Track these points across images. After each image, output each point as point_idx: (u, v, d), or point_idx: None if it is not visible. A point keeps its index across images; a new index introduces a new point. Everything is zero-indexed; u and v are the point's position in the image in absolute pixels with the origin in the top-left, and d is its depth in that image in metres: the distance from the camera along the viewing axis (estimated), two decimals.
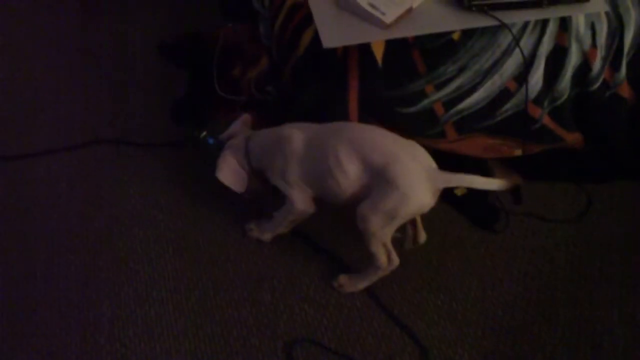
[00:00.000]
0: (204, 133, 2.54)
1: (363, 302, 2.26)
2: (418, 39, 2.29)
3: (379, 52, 2.28)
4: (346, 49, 2.27)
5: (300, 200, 2.23)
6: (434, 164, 2.11)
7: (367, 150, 2.09)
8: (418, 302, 2.27)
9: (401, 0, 2.30)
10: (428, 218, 2.28)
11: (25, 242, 2.45)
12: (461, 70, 2.35)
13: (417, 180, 2.06)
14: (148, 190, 2.56)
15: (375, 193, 2.07)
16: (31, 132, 2.79)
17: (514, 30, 2.31)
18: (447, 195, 2.41)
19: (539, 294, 2.28)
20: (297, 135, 2.20)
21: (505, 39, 2.33)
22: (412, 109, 2.36)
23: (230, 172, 2.31)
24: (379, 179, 2.07)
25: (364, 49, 2.27)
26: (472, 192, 2.46)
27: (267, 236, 2.37)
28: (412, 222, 2.27)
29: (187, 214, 2.47)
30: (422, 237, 2.32)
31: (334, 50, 2.26)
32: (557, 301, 2.26)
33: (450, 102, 2.38)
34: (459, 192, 2.47)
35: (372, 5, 2.26)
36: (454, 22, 2.29)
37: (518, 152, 2.48)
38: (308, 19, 2.32)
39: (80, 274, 2.35)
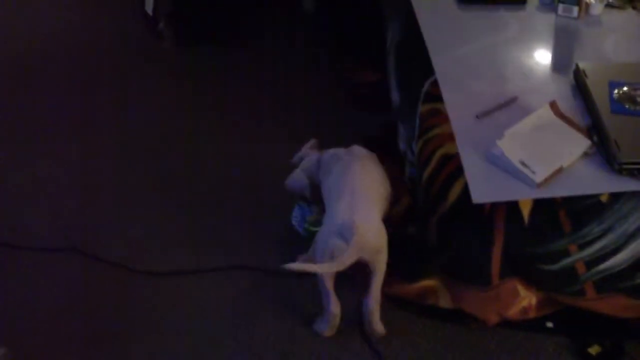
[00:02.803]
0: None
1: None
2: (566, 199, 2.29)
3: (526, 210, 2.30)
4: (494, 204, 2.29)
5: None
6: None
7: None
8: None
9: (552, 159, 2.31)
10: None
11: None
12: (606, 231, 2.34)
13: None
14: (284, 320, 2.59)
15: None
16: (176, 251, 2.89)
17: None
18: (582, 354, 2.39)
19: None
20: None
21: None
22: (554, 267, 2.36)
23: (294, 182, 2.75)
24: None
25: (512, 206, 2.29)
26: (606, 351, 2.42)
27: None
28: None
29: (321, 351, 2.49)
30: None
31: (482, 205, 2.28)
32: None
33: (592, 262, 2.36)
34: (593, 352, 2.43)
35: (524, 164, 2.28)
36: (603, 185, 2.28)
37: None
38: (458, 171, 2.34)
39: None
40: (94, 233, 2.98)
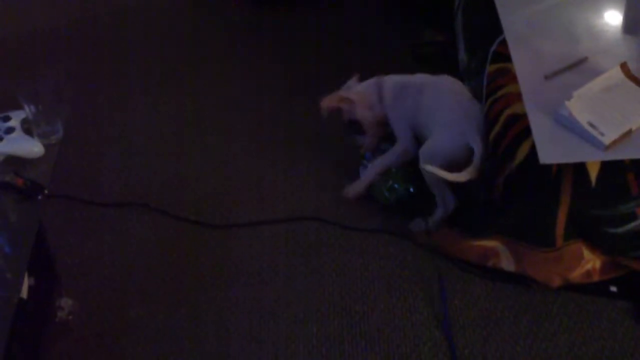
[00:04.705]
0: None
1: None
2: (634, 161, 2.26)
3: (593, 172, 2.27)
4: (561, 166, 2.27)
5: None
6: None
7: None
8: None
9: (621, 121, 2.28)
10: None
11: (230, 307, 2.57)
12: None
13: None
14: (348, 280, 2.63)
15: None
16: (247, 205, 2.97)
17: None
18: None
19: None
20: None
21: None
22: (620, 230, 2.33)
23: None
24: None
25: (579, 168, 2.27)
26: None
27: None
28: None
29: (383, 309, 2.51)
30: None
31: (549, 166, 2.26)
32: None
33: None
34: None
35: (592, 125, 2.26)
36: None
37: None
38: (526, 131, 2.33)
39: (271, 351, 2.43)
40: (164, 189, 3.05)
